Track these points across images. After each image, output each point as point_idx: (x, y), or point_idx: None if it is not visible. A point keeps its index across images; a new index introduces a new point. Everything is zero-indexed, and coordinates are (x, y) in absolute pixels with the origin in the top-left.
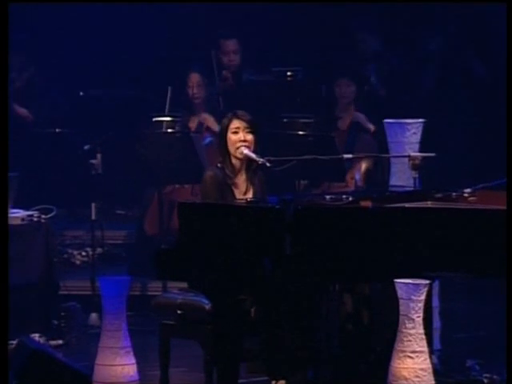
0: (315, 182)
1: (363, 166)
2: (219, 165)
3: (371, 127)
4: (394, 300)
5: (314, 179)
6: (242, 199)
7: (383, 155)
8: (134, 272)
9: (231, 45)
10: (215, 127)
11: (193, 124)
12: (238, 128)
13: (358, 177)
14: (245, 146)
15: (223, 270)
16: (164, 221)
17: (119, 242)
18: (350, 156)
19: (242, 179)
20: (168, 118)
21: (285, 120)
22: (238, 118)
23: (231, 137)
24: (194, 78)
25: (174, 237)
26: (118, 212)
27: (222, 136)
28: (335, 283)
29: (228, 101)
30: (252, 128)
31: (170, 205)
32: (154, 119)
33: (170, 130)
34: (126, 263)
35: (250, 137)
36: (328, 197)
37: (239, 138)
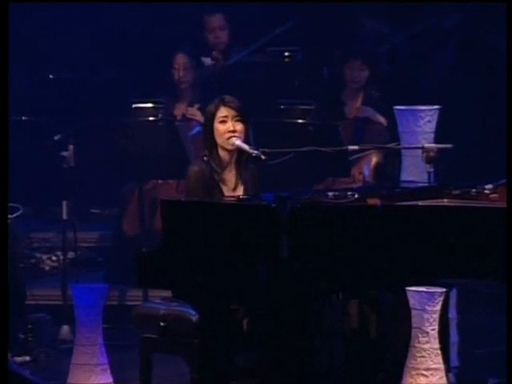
0: (317, 177)
1: (373, 159)
2: (205, 158)
3: (382, 120)
4: (406, 311)
5: (316, 174)
6: (232, 196)
7: (393, 146)
8: (111, 279)
9: (216, 20)
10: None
11: (178, 111)
12: (225, 117)
13: (366, 171)
14: (235, 136)
15: (212, 277)
16: (145, 221)
17: (94, 244)
18: (355, 147)
19: (230, 174)
20: (150, 105)
21: (281, 107)
22: (226, 105)
23: (219, 127)
24: (181, 59)
25: (156, 239)
26: (93, 211)
27: (207, 126)
28: (339, 291)
29: (215, 85)
30: (242, 116)
31: (151, 203)
32: (134, 105)
33: (152, 118)
34: (102, 269)
35: (239, 126)
36: (331, 194)
37: (228, 128)
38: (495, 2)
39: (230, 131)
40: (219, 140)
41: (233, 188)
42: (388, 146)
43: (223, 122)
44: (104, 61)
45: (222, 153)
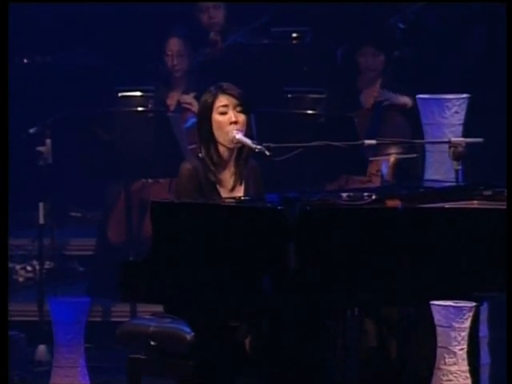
0: (329, 175)
1: (392, 155)
2: (200, 155)
3: (407, 101)
4: (431, 328)
5: (327, 172)
6: (232, 198)
7: (416, 141)
8: (94, 292)
9: None
10: None
11: (171, 101)
12: (226, 106)
13: (385, 169)
14: (237, 129)
15: (209, 289)
16: (133, 226)
17: (74, 252)
18: (373, 142)
19: (228, 174)
20: (138, 93)
21: (289, 95)
22: (226, 92)
23: (218, 118)
24: (174, 44)
25: (145, 246)
26: (74, 214)
27: (204, 118)
28: (354, 306)
29: (212, 72)
30: (244, 105)
31: (140, 205)
32: (121, 94)
33: (141, 109)
34: (84, 280)
35: (241, 117)
36: (345, 195)
37: (229, 119)
38: (495, 1)
39: (231, 122)
40: (219, 134)
41: (230, 189)
42: (410, 140)
43: (223, 112)
44: (86, 43)
45: (221, 149)
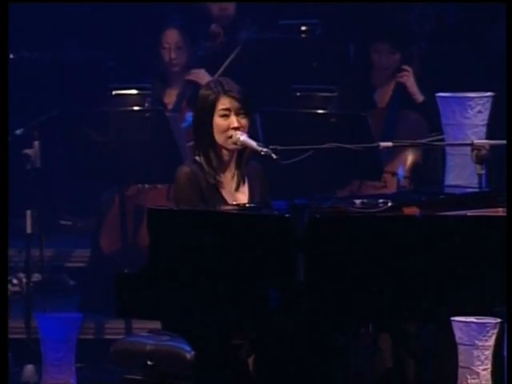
0: (341, 180)
1: (409, 158)
2: (198, 159)
3: (419, 97)
4: (451, 346)
5: (339, 177)
6: (236, 205)
7: (436, 143)
8: (86, 307)
9: None
10: None
11: (169, 99)
12: (227, 110)
13: (401, 173)
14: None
15: (210, 304)
16: (127, 235)
17: (65, 264)
18: (389, 144)
19: (229, 177)
20: (134, 91)
21: (297, 94)
22: (228, 94)
23: (219, 122)
24: (172, 36)
25: (141, 257)
26: (64, 223)
27: (203, 119)
28: (368, 323)
29: (214, 67)
30: (246, 108)
31: (136, 212)
32: (115, 92)
33: (137, 108)
34: (75, 294)
35: (244, 120)
36: (358, 201)
37: (231, 124)
38: (495, 1)
39: (233, 128)
40: (219, 138)
41: (234, 194)
42: (429, 141)
43: (225, 116)
44: (76, 37)
45: (221, 152)
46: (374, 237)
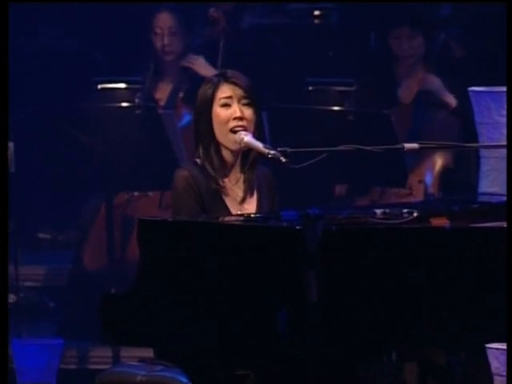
0: (360, 187)
1: (438, 161)
2: (198, 160)
3: (451, 101)
4: (486, 376)
5: (358, 183)
6: (240, 215)
7: (468, 145)
8: (68, 332)
9: None
10: None
11: (162, 94)
12: (229, 98)
13: (429, 179)
14: (242, 127)
15: (210, 328)
16: (115, 249)
17: (43, 283)
18: (415, 146)
19: (235, 180)
20: (122, 85)
21: (310, 88)
22: (229, 81)
23: (220, 112)
24: (165, 20)
25: (130, 275)
26: (42, 236)
27: (202, 113)
28: (391, 350)
29: (213, 57)
30: (251, 97)
31: (124, 224)
32: (100, 86)
33: (126, 104)
34: (55, 318)
35: (248, 111)
36: (379, 211)
37: (233, 114)
38: (495, 1)
39: (236, 118)
40: (220, 132)
41: (240, 201)
42: (462, 144)
43: (226, 105)
44: (58, 24)
45: (224, 152)
46: (398, 252)
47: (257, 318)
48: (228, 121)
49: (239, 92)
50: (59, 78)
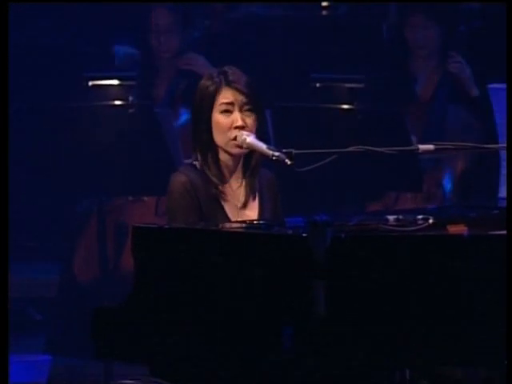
0: (371, 191)
1: (457, 165)
2: (196, 163)
3: (474, 91)
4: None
5: (369, 187)
6: (242, 222)
7: (489, 146)
8: (57, 347)
9: None
10: None
11: (159, 92)
12: (230, 104)
13: (447, 184)
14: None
15: (209, 344)
16: (107, 259)
17: (30, 295)
18: (430, 147)
19: (236, 185)
20: (115, 82)
21: (317, 84)
22: (232, 86)
23: (220, 119)
24: (161, 16)
25: (124, 286)
26: (28, 244)
27: (201, 114)
28: (404, 367)
29: (212, 53)
30: (253, 103)
31: (117, 231)
32: (92, 83)
33: (118, 102)
34: (43, 332)
35: (250, 120)
36: (392, 218)
37: (234, 122)
38: (495, 1)
39: (237, 127)
40: (220, 139)
41: (241, 207)
42: (482, 146)
43: (227, 111)
44: (45, 15)
45: (222, 156)
46: (412, 261)
47: (259, 332)
48: (228, 129)
49: (241, 98)
50: (46, 74)
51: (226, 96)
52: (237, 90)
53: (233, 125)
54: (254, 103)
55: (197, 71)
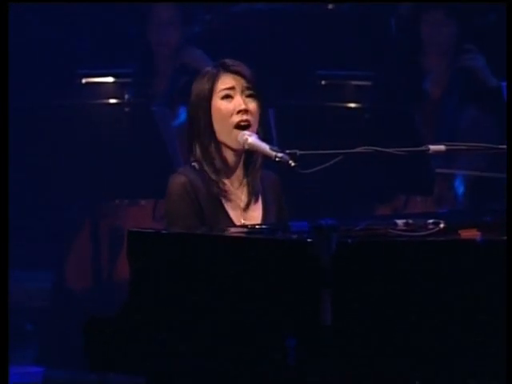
0: (380, 195)
1: (469, 166)
2: (195, 164)
3: (493, 82)
4: None
5: (377, 190)
6: (243, 226)
7: (502, 147)
8: (48, 359)
9: None
10: None
11: (156, 90)
12: (231, 89)
13: (459, 187)
14: (247, 121)
15: (208, 356)
16: (102, 266)
17: (20, 305)
18: (441, 148)
19: (236, 186)
20: (110, 79)
21: (322, 82)
22: (230, 70)
23: (221, 105)
24: (163, 9)
25: (119, 295)
26: (17, 250)
27: (199, 107)
28: (415, 380)
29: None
30: (255, 88)
31: (112, 236)
32: (85, 80)
33: (114, 101)
34: (34, 343)
35: (253, 104)
36: (401, 222)
37: (237, 107)
38: (495, 2)
39: (240, 111)
40: (221, 129)
41: (244, 207)
42: (496, 146)
43: (228, 97)
44: (38, 12)
45: (225, 151)
46: (422, 268)
47: (262, 344)
48: (231, 115)
49: (242, 82)
50: (35, 71)
51: (225, 81)
52: (237, 73)
53: (235, 109)
54: (256, 88)
55: (196, 67)
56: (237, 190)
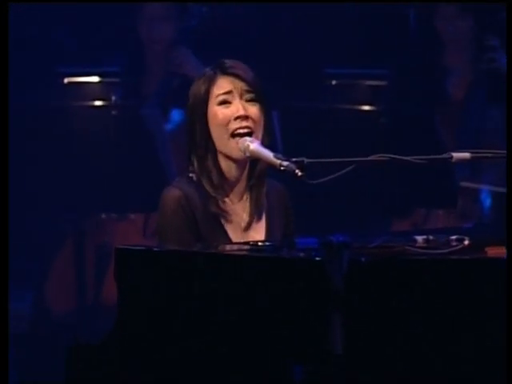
0: (397, 208)
1: (495, 176)
2: (193, 175)
3: None
4: None
5: (394, 203)
6: (245, 243)
7: None
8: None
9: None
10: None
11: (147, 90)
12: (229, 93)
13: (486, 198)
14: (247, 128)
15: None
16: (86, 287)
17: None
18: (466, 155)
19: (236, 201)
20: (95, 79)
21: (332, 82)
22: (228, 72)
23: (217, 112)
24: (154, 4)
25: (105, 319)
26: None
27: (195, 114)
28: None
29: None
30: (256, 91)
31: (98, 254)
32: (68, 80)
33: (99, 103)
34: (12, 369)
35: (253, 109)
36: (421, 238)
37: (235, 113)
38: (495, 2)
39: (238, 117)
40: (219, 137)
41: (245, 226)
42: None
43: (225, 102)
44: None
45: (224, 163)
46: (446, 290)
47: (266, 374)
48: (228, 122)
49: (241, 85)
50: (12, 68)
51: (222, 85)
52: (235, 76)
53: (233, 115)
54: (257, 90)
55: (187, 73)
56: (237, 207)
